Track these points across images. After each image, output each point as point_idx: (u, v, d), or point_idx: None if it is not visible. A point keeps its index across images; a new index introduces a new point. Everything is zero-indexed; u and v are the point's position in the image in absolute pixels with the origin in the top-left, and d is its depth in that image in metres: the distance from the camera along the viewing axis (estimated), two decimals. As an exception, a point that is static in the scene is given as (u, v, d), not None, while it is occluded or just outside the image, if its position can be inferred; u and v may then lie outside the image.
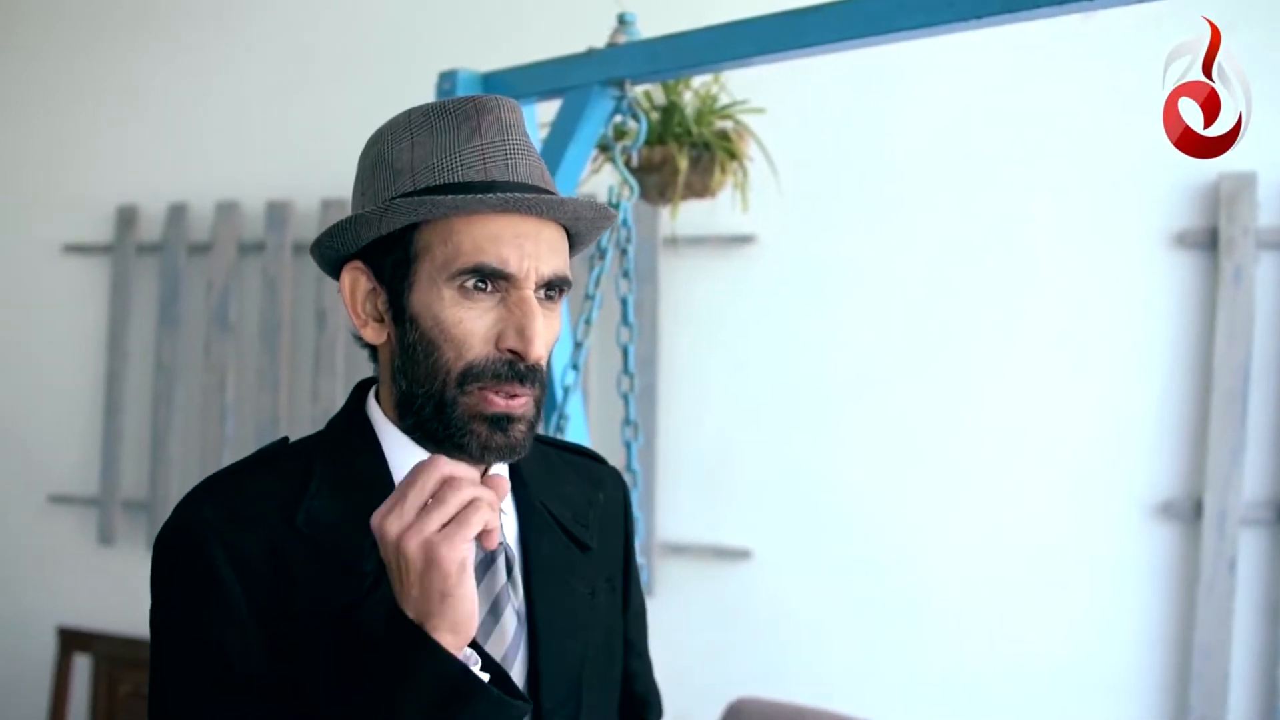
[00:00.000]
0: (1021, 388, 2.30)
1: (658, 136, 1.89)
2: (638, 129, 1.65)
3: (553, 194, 0.95)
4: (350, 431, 0.99)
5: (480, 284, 0.92)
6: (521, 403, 0.93)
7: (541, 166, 0.98)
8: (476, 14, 2.75)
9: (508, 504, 1.03)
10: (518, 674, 0.97)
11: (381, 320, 0.97)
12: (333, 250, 0.98)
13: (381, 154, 0.97)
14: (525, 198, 0.91)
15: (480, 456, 0.93)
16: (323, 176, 2.79)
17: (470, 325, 0.92)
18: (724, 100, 2.00)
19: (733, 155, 1.93)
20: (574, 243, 1.02)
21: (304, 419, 2.86)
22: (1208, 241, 2.18)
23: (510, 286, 0.92)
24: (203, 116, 3.05)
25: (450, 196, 0.91)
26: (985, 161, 2.33)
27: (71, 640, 2.84)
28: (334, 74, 2.90)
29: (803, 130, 2.41)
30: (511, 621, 0.97)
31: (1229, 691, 2.13)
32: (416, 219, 0.92)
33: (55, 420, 3.18)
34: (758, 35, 1.43)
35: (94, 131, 3.16)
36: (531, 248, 0.92)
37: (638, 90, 1.66)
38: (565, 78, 1.65)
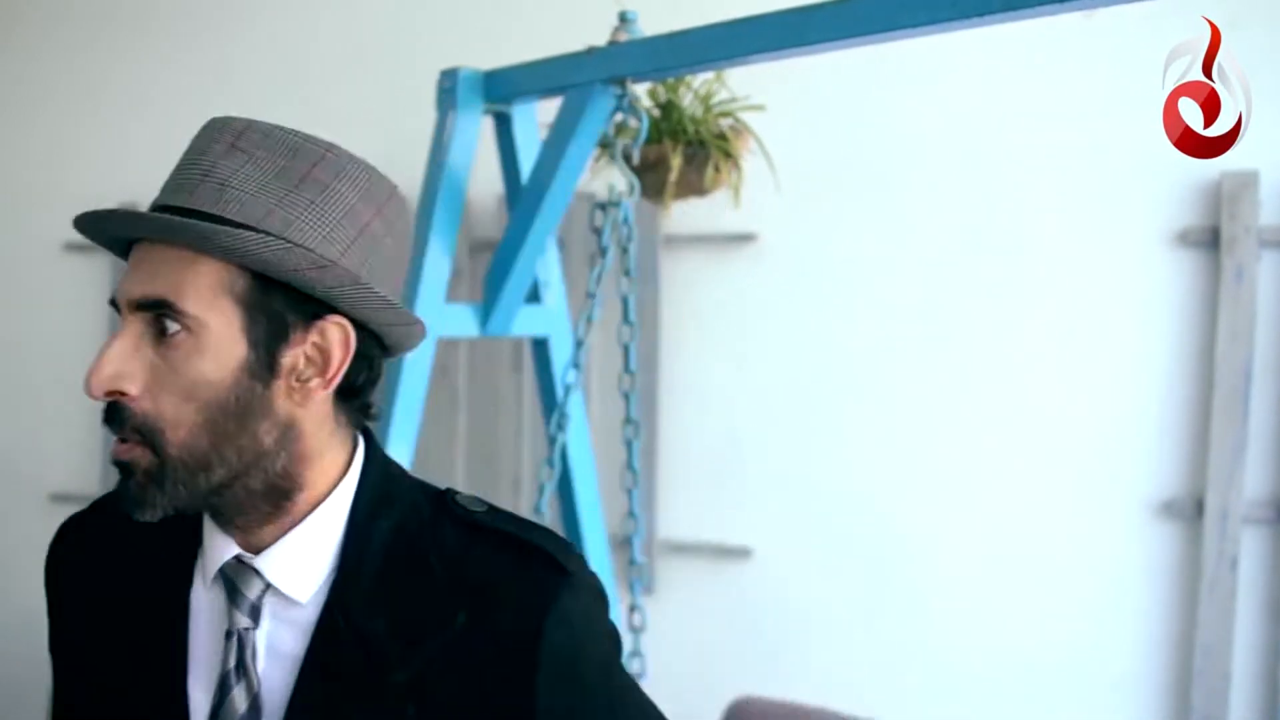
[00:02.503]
0: (1023, 386, 2.30)
1: (656, 135, 1.88)
2: (639, 127, 1.64)
3: (171, 218, 0.78)
4: None
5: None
6: (125, 449, 0.78)
7: (237, 193, 0.81)
8: (477, 13, 2.75)
9: (289, 633, 0.82)
10: None
11: None
12: None
13: None
14: (103, 212, 0.81)
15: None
16: (324, 175, 2.78)
17: None
18: (724, 97, 1.99)
19: (728, 154, 1.92)
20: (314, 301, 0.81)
21: (305, 418, 2.86)
22: (1210, 240, 2.18)
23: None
24: (203, 115, 3.01)
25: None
26: (987, 160, 2.33)
27: (73, 639, 2.84)
28: (334, 74, 2.89)
29: (804, 128, 2.40)
30: None
31: (1231, 690, 2.12)
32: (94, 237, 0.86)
33: (56, 419, 3.17)
34: (759, 34, 1.43)
35: (95, 131, 3.16)
36: (134, 272, 0.79)
37: (639, 89, 1.66)
38: (566, 76, 1.65)
